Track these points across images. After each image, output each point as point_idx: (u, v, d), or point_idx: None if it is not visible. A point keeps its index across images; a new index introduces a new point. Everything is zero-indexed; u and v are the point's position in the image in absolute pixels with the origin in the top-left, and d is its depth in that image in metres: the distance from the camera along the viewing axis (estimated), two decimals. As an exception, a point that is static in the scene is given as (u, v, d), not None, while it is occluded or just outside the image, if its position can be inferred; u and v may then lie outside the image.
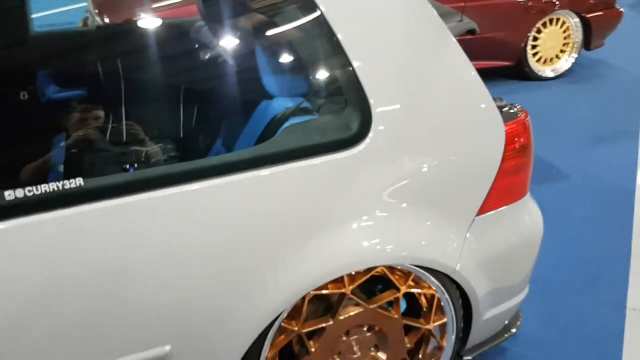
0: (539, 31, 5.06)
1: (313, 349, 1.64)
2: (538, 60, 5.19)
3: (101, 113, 1.96)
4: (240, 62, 1.99)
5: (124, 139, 1.91)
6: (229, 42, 2.15)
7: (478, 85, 1.67)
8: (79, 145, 1.82)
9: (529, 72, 5.14)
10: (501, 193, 1.73)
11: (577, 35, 5.21)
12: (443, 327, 1.80)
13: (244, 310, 1.47)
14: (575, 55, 5.27)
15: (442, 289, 1.71)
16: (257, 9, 1.98)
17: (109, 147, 1.81)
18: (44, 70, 2.48)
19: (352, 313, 1.65)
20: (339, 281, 1.59)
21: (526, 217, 1.85)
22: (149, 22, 2.21)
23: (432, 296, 1.73)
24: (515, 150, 1.73)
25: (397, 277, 1.66)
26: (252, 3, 2.00)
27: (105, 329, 1.36)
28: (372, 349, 1.76)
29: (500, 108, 1.76)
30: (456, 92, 1.65)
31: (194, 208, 1.35)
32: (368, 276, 1.61)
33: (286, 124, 1.62)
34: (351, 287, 1.60)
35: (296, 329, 1.59)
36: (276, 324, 1.56)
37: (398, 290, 1.67)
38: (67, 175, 1.28)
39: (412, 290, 1.69)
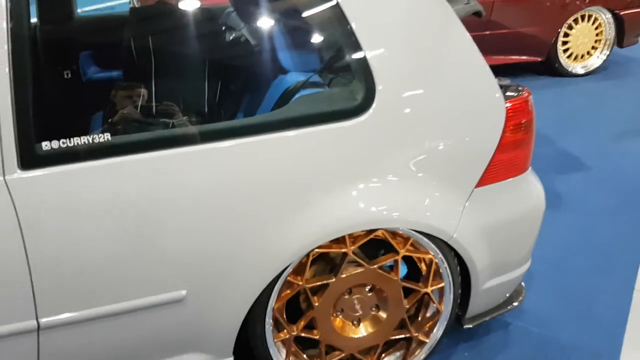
0: (570, 27, 5.07)
1: (317, 304, 1.77)
2: (569, 57, 5.19)
3: (144, 91, 2.14)
4: (261, 43, 2.15)
5: (157, 113, 2.09)
6: (252, 26, 2.31)
7: (480, 63, 1.78)
8: (125, 119, 1.99)
9: (559, 68, 5.16)
10: (501, 167, 1.83)
11: (610, 32, 5.20)
12: (441, 292, 1.90)
13: (254, 263, 1.61)
14: (607, 53, 5.26)
15: (440, 254, 1.82)
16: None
17: (148, 119, 1.99)
18: (85, 51, 2.68)
19: (353, 272, 1.77)
20: (341, 242, 1.72)
21: (527, 191, 1.94)
22: (180, 4, 2.39)
23: (431, 261, 1.84)
24: (516, 126, 1.82)
25: (396, 241, 1.78)
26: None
27: (133, 269, 1.52)
28: (373, 308, 1.88)
29: (504, 87, 1.86)
30: (458, 69, 1.75)
31: (215, 164, 1.51)
32: (368, 238, 1.74)
33: (297, 95, 1.76)
34: (352, 247, 1.73)
35: (301, 283, 1.73)
36: (282, 278, 1.69)
37: (397, 253, 1.79)
38: None
39: (411, 254, 1.81)
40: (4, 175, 1.37)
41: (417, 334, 1.93)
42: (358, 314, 1.87)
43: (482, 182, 1.81)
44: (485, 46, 4.79)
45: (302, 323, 1.80)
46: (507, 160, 1.84)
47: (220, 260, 1.60)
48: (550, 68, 5.16)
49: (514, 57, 4.97)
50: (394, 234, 1.77)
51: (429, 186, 1.74)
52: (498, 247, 1.92)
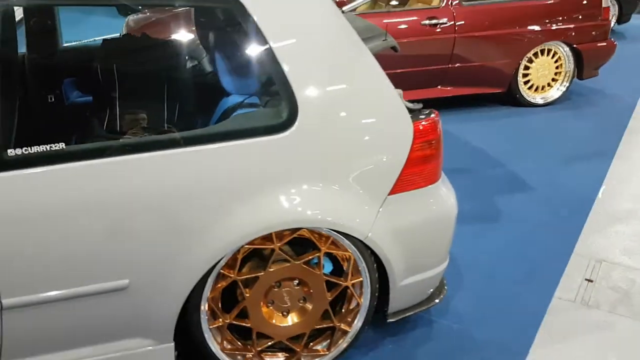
0: (530, 61, 5.41)
1: (247, 295, 2.04)
2: (530, 88, 5.52)
3: (145, 115, 2.46)
4: (213, 70, 2.47)
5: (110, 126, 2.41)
6: (209, 57, 2.64)
7: (389, 90, 2.07)
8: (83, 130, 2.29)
9: (520, 99, 5.48)
10: (411, 178, 2.11)
11: (569, 65, 5.53)
12: (361, 286, 2.17)
13: (189, 257, 1.89)
14: (567, 85, 5.58)
15: (357, 252, 2.09)
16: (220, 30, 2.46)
17: (103, 132, 2.29)
18: (68, 77, 3.00)
19: (280, 266, 2.05)
20: (270, 239, 2.00)
21: (437, 200, 2.21)
22: (144, 40, 2.73)
23: (350, 258, 2.11)
24: (424, 144, 2.12)
25: (318, 239, 2.06)
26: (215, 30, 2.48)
27: (82, 260, 1.80)
28: (301, 300, 2.14)
29: (416, 110, 2.16)
30: (370, 95, 2.05)
31: (156, 170, 1.80)
32: (292, 236, 2.01)
33: (234, 114, 2.07)
34: (279, 244, 2.01)
35: (232, 276, 2.00)
36: (215, 271, 1.97)
37: (319, 250, 2.06)
38: None
39: (332, 251, 2.08)
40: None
41: (339, 324, 2.19)
42: (287, 305, 2.14)
43: (394, 190, 2.10)
44: (449, 78, 5.16)
45: (234, 312, 2.07)
46: (416, 172, 2.12)
47: (159, 254, 1.87)
48: (512, 98, 5.48)
49: (476, 88, 5.30)
50: (317, 233, 2.05)
51: (347, 193, 2.02)
52: (412, 248, 2.20)
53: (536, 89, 5.55)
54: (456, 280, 2.85)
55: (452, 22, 5.03)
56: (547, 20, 5.31)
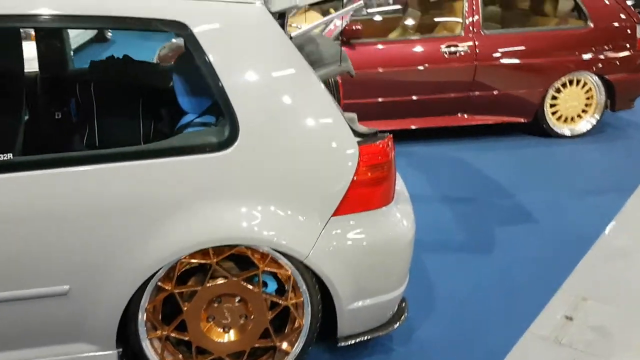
0: (558, 90, 5.27)
1: (185, 308, 2.09)
2: (559, 118, 5.36)
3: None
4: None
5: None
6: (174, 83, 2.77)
7: (335, 115, 2.10)
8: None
9: (547, 129, 5.33)
10: (356, 200, 2.12)
11: (600, 96, 5.35)
12: (303, 307, 2.18)
13: (126, 268, 1.97)
14: (598, 117, 5.39)
15: (297, 272, 2.11)
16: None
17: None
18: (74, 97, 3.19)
19: (217, 282, 2.09)
20: (207, 254, 2.05)
21: (387, 223, 2.20)
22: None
23: (290, 277, 2.13)
24: (370, 167, 2.12)
25: (257, 257, 2.09)
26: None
27: (24, 264, 1.91)
28: (242, 317, 2.17)
29: (369, 134, 2.16)
30: (311, 118, 2.08)
31: (99, 181, 1.90)
32: (229, 253, 2.06)
33: (185, 131, 2.15)
34: (216, 259, 2.05)
35: (168, 288, 2.06)
36: (152, 283, 2.03)
37: (257, 268, 2.09)
38: None
39: (271, 270, 2.11)
40: None
41: (281, 344, 2.21)
42: (227, 321, 2.17)
43: (338, 212, 2.11)
44: (471, 106, 5.10)
45: (173, 325, 2.12)
46: (363, 195, 2.13)
47: (98, 263, 1.96)
48: (538, 128, 5.35)
49: (499, 117, 5.21)
50: (256, 251, 2.08)
51: (287, 212, 2.05)
52: (360, 271, 2.19)
53: (565, 120, 5.39)
54: (428, 307, 2.80)
55: (473, 50, 4.99)
56: (575, 50, 5.17)
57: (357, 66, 4.33)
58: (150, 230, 1.96)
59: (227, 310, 2.16)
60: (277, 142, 2.04)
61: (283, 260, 2.09)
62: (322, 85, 2.11)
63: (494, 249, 3.39)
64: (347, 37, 4.76)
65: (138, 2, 1.95)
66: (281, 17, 2.40)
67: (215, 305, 2.15)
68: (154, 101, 2.70)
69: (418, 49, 5.00)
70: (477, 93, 5.10)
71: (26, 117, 2.75)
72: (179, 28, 1.97)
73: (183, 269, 2.09)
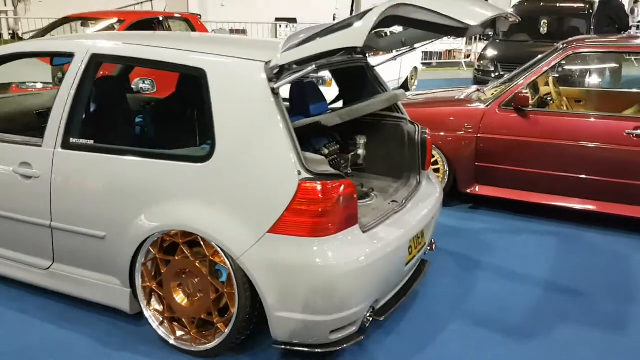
0: None
1: (163, 271, 2.88)
2: None
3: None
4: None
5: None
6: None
7: (284, 155, 2.59)
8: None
9: None
10: (289, 225, 2.58)
11: None
12: (233, 298, 2.72)
13: (132, 229, 2.88)
14: None
15: (232, 268, 2.68)
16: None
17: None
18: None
19: (181, 258, 2.82)
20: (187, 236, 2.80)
21: (317, 253, 2.56)
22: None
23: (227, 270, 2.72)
24: (305, 201, 2.57)
25: (207, 246, 2.74)
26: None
27: (88, 216, 3.00)
28: (198, 292, 2.85)
29: (325, 174, 2.61)
30: (268, 153, 2.62)
31: (116, 170, 2.89)
32: (190, 238, 2.77)
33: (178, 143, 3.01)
34: (182, 241, 2.79)
35: (154, 253, 2.88)
36: (145, 245, 2.88)
37: (206, 255, 2.75)
38: None
39: (215, 259, 2.73)
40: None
41: (217, 322, 2.80)
42: (190, 292, 2.88)
43: (273, 230, 2.61)
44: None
45: (156, 280, 2.93)
46: (295, 222, 2.58)
47: (120, 222, 2.91)
48: None
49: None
50: (206, 242, 2.73)
51: (233, 218, 2.66)
52: (284, 285, 2.60)
53: None
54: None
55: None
56: None
57: (530, 135, 4.41)
58: (145, 207, 2.82)
59: (190, 284, 2.87)
60: (239, 166, 2.66)
61: (222, 255, 2.70)
62: (284, 136, 2.61)
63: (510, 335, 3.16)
64: (517, 105, 4.75)
65: (176, 53, 2.86)
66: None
67: (184, 276, 2.88)
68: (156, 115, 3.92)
69: (598, 125, 4.64)
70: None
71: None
72: (200, 72, 2.79)
73: (169, 244, 2.88)
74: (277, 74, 2.68)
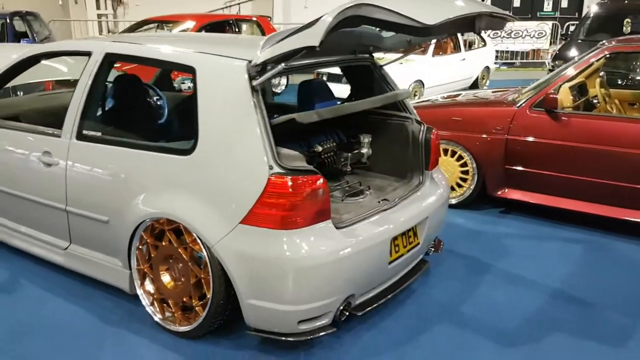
0: None
1: (153, 255, 3.10)
2: None
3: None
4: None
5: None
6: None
7: (258, 151, 2.71)
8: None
9: None
10: (259, 217, 2.72)
11: None
12: (209, 283, 2.88)
13: (128, 216, 3.12)
14: None
15: (207, 255, 2.84)
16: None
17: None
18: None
19: (166, 244, 3.02)
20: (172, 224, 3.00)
21: (284, 244, 2.68)
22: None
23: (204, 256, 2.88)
24: (274, 194, 2.69)
25: (188, 233, 2.92)
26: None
27: (92, 202, 3.28)
28: (182, 277, 3.03)
29: (298, 170, 2.72)
30: (242, 150, 2.76)
31: (116, 159, 3.14)
32: (174, 226, 2.96)
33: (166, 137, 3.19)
34: (168, 227, 2.99)
35: (146, 239, 3.10)
36: (139, 232, 3.11)
37: (187, 242, 2.93)
38: None
39: (193, 246, 2.91)
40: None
41: (195, 305, 2.96)
42: (175, 275, 3.07)
43: (245, 221, 2.75)
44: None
45: (148, 264, 3.15)
46: (265, 214, 2.71)
47: (118, 207, 3.16)
48: None
49: None
50: (187, 230, 2.91)
51: (210, 208, 2.82)
52: (253, 274, 2.74)
53: None
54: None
55: None
56: None
57: (559, 138, 4.33)
58: (138, 195, 3.05)
59: (176, 268, 3.06)
60: (217, 159, 2.83)
61: (199, 243, 2.86)
62: (259, 131, 2.73)
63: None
64: (546, 106, 4.59)
65: (173, 52, 3.07)
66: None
67: (171, 261, 3.07)
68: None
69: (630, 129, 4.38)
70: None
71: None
72: (191, 69, 2.98)
73: (159, 231, 3.08)
74: (259, 71, 2.81)
